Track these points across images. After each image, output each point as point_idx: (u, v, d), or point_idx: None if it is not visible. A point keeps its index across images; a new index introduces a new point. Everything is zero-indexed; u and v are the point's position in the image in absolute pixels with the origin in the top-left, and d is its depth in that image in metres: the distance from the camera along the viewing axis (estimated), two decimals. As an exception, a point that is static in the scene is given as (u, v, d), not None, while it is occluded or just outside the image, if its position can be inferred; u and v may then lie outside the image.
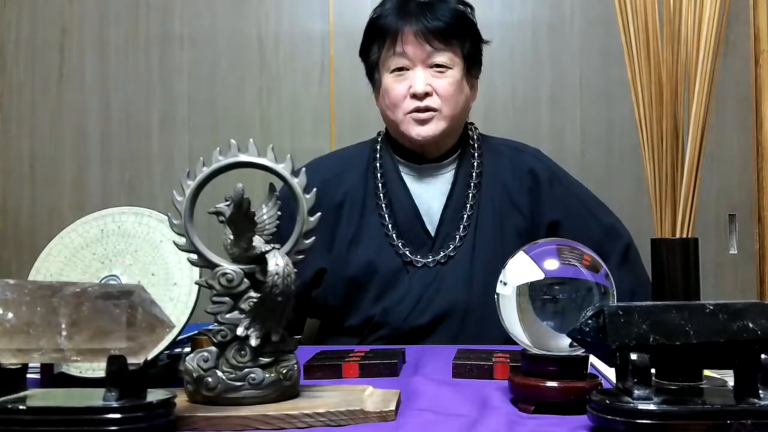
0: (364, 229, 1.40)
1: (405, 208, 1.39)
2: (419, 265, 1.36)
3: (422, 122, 1.37)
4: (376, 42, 1.41)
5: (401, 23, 1.36)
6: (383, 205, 1.40)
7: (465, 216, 1.38)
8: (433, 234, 1.38)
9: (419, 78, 1.36)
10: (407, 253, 1.37)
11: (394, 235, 1.38)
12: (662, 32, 0.75)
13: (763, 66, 1.94)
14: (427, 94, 1.36)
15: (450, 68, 1.37)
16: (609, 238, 1.40)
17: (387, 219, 1.39)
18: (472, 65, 1.41)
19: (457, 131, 1.44)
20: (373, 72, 1.44)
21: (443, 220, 1.39)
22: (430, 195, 1.42)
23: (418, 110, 1.37)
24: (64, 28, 2.03)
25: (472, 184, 1.41)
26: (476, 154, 1.44)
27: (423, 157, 1.43)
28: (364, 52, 1.45)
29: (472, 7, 1.43)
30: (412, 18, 1.36)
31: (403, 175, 1.43)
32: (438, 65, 1.37)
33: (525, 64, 1.97)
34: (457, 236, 1.37)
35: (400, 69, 1.38)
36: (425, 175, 1.43)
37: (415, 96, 1.36)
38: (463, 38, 1.39)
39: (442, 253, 1.36)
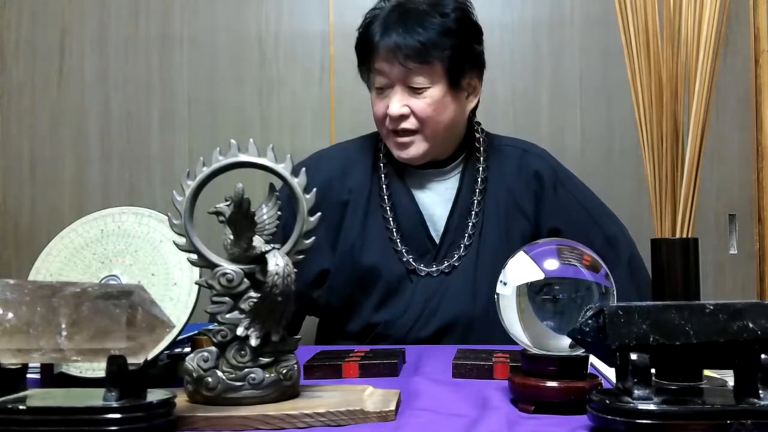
0: (368, 231, 1.37)
1: (409, 214, 1.37)
2: (423, 274, 1.34)
3: (402, 145, 1.35)
4: (363, 53, 1.37)
5: (379, 38, 1.32)
6: (387, 208, 1.37)
7: (470, 224, 1.36)
8: (437, 242, 1.36)
9: (395, 99, 1.32)
10: (411, 260, 1.34)
11: (398, 240, 1.35)
12: (662, 32, 0.75)
13: (763, 66, 1.94)
14: (403, 116, 1.32)
15: (428, 88, 1.32)
16: (612, 249, 1.35)
17: (391, 223, 1.36)
18: (459, 76, 1.34)
19: (452, 141, 1.40)
20: (366, 78, 1.40)
21: (448, 227, 1.36)
22: (434, 201, 1.39)
23: (396, 133, 1.34)
24: (64, 28, 2.03)
25: (477, 190, 1.38)
26: (482, 158, 1.40)
27: (426, 162, 1.39)
28: (358, 57, 1.40)
29: (466, 10, 1.36)
30: (389, 34, 1.31)
31: (406, 178, 1.40)
32: (414, 86, 1.32)
33: (525, 64, 1.97)
34: (462, 245, 1.35)
35: (382, 88, 1.34)
36: (429, 180, 1.40)
37: (391, 117, 1.33)
38: (443, 53, 1.31)
39: (446, 263, 1.34)
